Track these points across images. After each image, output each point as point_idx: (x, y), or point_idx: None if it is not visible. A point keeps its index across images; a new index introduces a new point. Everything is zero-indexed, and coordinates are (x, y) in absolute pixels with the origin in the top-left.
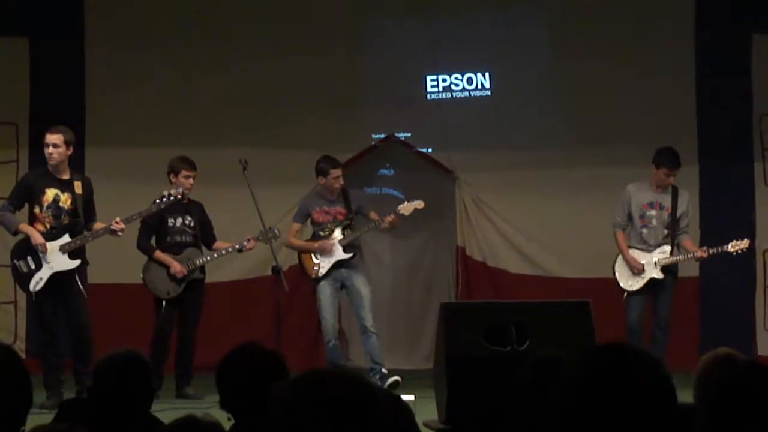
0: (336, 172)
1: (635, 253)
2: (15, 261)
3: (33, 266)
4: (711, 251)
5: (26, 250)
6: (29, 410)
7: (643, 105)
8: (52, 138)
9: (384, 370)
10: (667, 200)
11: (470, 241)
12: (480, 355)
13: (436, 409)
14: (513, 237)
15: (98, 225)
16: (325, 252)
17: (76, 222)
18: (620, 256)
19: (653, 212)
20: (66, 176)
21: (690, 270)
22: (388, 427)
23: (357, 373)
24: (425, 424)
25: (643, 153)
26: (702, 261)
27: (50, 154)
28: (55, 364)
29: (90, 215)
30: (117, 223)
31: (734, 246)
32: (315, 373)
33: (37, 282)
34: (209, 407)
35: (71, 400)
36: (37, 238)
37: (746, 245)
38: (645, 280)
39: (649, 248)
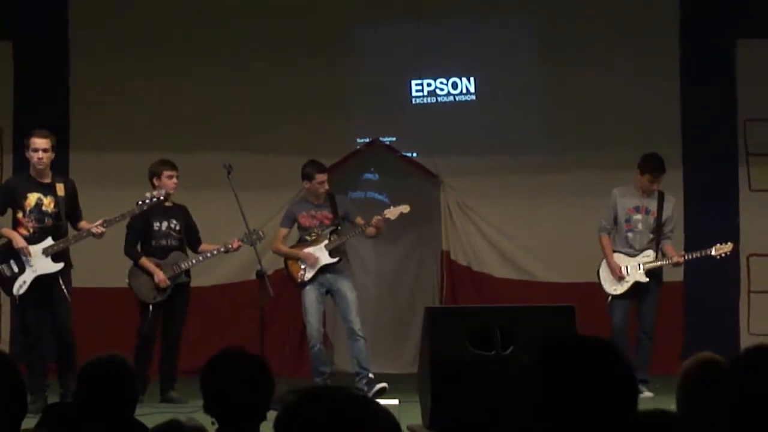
0: (321, 177)
1: (620, 257)
2: None
3: (16, 270)
4: (690, 256)
5: (9, 253)
6: (24, 415)
7: (628, 110)
8: (42, 143)
9: (371, 375)
10: (653, 205)
11: (455, 245)
12: (464, 360)
13: (421, 413)
14: (498, 241)
15: (84, 224)
16: (309, 262)
17: (59, 225)
18: (604, 261)
19: (639, 216)
20: (47, 179)
21: (674, 274)
22: None
23: (350, 390)
24: (410, 429)
25: (628, 158)
26: (686, 265)
27: (40, 158)
28: (39, 369)
29: (76, 216)
30: (97, 227)
31: (718, 250)
32: (314, 392)
33: (21, 285)
34: (193, 411)
35: (55, 404)
36: (19, 241)
37: (730, 249)
38: (629, 284)
39: (634, 252)
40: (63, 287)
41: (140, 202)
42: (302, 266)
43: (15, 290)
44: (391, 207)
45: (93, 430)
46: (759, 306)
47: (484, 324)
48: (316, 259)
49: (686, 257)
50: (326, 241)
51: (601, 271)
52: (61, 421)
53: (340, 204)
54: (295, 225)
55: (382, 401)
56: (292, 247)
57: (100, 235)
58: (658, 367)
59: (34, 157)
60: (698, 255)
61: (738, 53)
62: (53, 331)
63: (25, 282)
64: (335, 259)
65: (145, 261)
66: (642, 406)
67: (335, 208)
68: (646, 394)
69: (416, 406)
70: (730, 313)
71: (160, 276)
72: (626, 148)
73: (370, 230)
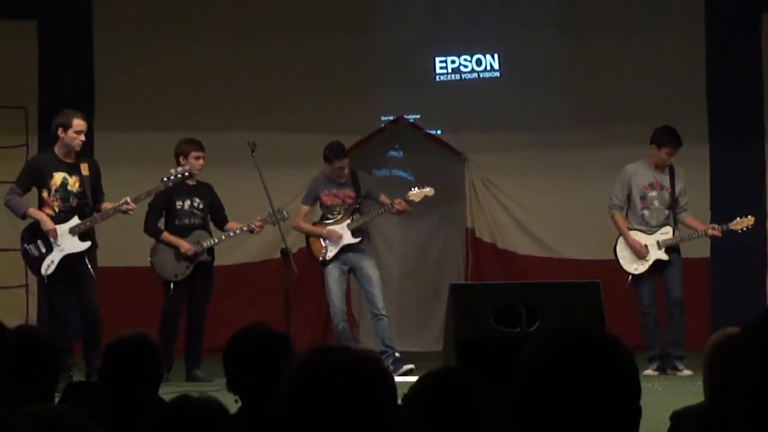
0: (340, 163)
1: (636, 235)
2: (26, 245)
3: (44, 249)
4: (722, 228)
5: (36, 233)
6: (55, 390)
7: (653, 84)
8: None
9: (396, 354)
10: (666, 179)
11: (479, 222)
12: (489, 337)
13: None
14: (522, 218)
15: (107, 205)
16: (333, 239)
17: (85, 204)
18: (621, 239)
19: (654, 193)
20: (72, 159)
21: (700, 250)
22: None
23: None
24: None
25: (653, 133)
26: (712, 241)
27: (82, 140)
28: (64, 347)
29: (98, 197)
30: (127, 203)
31: (738, 224)
32: (326, 350)
33: (49, 265)
34: (218, 389)
35: (77, 383)
36: (47, 223)
37: (751, 222)
38: (650, 263)
39: (650, 229)
40: (89, 266)
41: (165, 179)
42: (324, 244)
43: (43, 270)
44: (416, 189)
45: (116, 408)
46: None
47: (510, 301)
48: (340, 237)
49: (720, 230)
50: (349, 221)
51: (618, 249)
52: (82, 399)
53: (363, 182)
54: (317, 203)
55: (408, 379)
56: (313, 224)
57: (131, 210)
58: (687, 344)
59: (77, 138)
60: (722, 229)
61: (763, 27)
62: (79, 310)
63: (53, 262)
64: (357, 239)
65: (166, 235)
66: (681, 384)
67: (358, 187)
68: (685, 372)
69: None
70: (757, 287)
71: (184, 245)
72: (651, 123)
73: (394, 211)
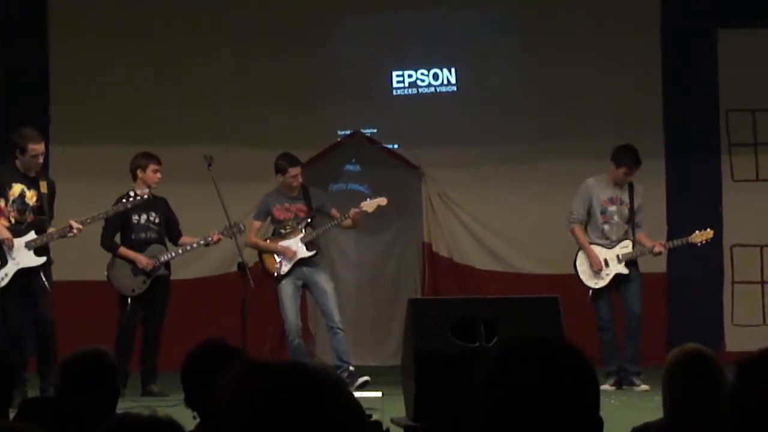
0: (294, 171)
1: (596, 250)
2: None
3: None
4: (670, 244)
5: None
6: (10, 405)
7: (609, 100)
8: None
9: (351, 368)
10: (625, 195)
11: (437, 237)
12: (448, 351)
13: (404, 405)
14: (479, 233)
15: (51, 230)
16: (287, 256)
17: (42, 219)
18: (581, 253)
19: (614, 208)
20: (32, 174)
21: (657, 265)
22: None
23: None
24: (393, 421)
25: (610, 147)
26: (669, 256)
27: (39, 162)
28: (19, 362)
29: (48, 217)
30: (70, 228)
31: (697, 237)
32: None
33: (2, 278)
34: (175, 405)
35: (33, 398)
36: (3, 233)
37: (710, 235)
38: (610, 277)
39: (610, 244)
40: (44, 280)
41: (123, 200)
42: (278, 259)
43: None
44: (368, 199)
45: (72, 424)
46: (743, 296)
47: (468, 316)
48: (294, 253)
49: (667, 246)
50: (301, 234)
51: (578, 264)
52: (38, 415)
53: (314, 196)
54: (269, 218)
55: (366, 394)
56: (266, 240)
57: (78, 230)
58: (643, 358)
59: (33, 161)
60: (679, 243)
61: (719, 43)
62: (34, 324)
63: (6, 275)
64: (311, 253)
65: (123, 250)
66: (638, 399)
67: (309, 200)
68: (642, 387)
69: (400, 399)
70: (713, 303)
71: (142, 260)
72: (608, 137)
73: (347, 222)
